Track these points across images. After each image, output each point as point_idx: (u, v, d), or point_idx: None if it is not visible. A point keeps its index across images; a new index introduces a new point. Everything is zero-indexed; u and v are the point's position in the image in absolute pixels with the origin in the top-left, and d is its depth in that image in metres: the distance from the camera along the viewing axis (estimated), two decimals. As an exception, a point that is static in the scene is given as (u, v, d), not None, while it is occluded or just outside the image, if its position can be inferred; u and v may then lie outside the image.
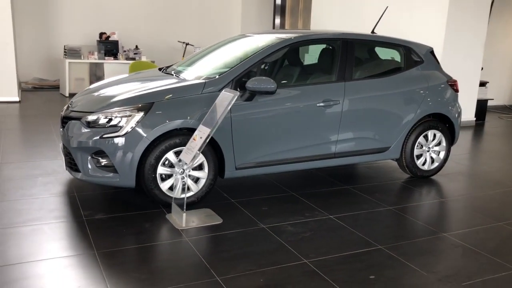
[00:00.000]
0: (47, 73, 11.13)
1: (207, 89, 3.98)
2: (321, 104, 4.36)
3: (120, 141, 3.73)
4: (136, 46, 10.79)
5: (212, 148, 3.99)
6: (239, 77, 4.09)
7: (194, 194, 4.00)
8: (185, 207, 3.68)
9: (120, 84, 4.49)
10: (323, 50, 4.90)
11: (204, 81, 4.07)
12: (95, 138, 3.77)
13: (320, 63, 4.97)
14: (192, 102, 3.92)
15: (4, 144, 5.80)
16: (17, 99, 8.92)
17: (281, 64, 4.80)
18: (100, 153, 3.80)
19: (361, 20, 9.20)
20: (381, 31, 8.13)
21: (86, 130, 3.84)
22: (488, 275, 3.09)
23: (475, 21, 7.81)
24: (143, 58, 10.32)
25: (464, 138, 7.45)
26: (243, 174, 4.24)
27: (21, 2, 10.57)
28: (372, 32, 5.36)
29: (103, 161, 3.81)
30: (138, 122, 3.74)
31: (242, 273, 2.98)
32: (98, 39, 10.45)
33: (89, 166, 3.85)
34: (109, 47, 10.11)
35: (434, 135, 5.03)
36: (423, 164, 5.05)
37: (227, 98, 3.69)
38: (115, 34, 10.44)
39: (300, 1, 12.88)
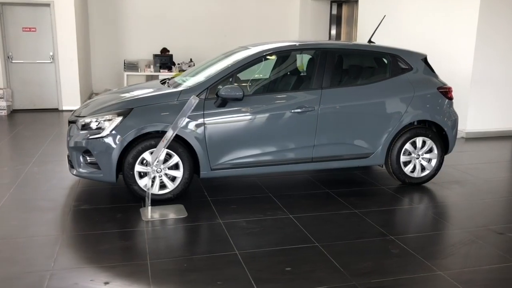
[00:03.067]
0: (117, 85, 12.30)
1: (183, 97, 4.42)
2: (295, 110, 4.61)
3: (101, 141, 4.29)
4: (191, 59, 11.55)
5: (187, 150, 4.41)
6: (213, 86, 4.48)
7: (170, 191, 4.44)
8: (149, 201, 4.14)
9: (119, 92, 5.08)
10: (302, 60, 5.13)
11: (180, 89, 4.52)
12: (84, 138, 4.36)
13: (300, 72, 5.20)
14: (167, 109, 4.38)
15: (48, 146, 6.67)
16: (79, 108, 10.03)
17: (260, 73, 5.11)
18: (88, 152, 4.39)
19: (401, 28, 9.16)
20: (413, 41, 8.11)
21: (80, 132, 4.45)
22: (405, 274, 3.17)
23: (510, 30, 7.48)
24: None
25: (498, 148, 7.12)
26: (220, 174, 4.61)
27: (96, 24, 11.86)
28: (369, 41, 5.47)
29: (90, 159, 4.39)
30: (117, 125, 4.27)
31: (172, 258, 3.36)
32: (159, 53, 11.38)
33: (80, 163, 4.45)
34: (164, 60, 10.96)
35: (424, 142, 5.02)
36: (412, 171, 5.05)
37: (190, 103, 4.11)
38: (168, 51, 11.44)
39: (354, 11, 12.93)
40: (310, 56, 5.04)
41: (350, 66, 5.10)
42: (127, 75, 10.76)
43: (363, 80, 5.02)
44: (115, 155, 4.29)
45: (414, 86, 4.97)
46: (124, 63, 11.00)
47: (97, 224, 3.98)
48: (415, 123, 5.10)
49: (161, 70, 10.91)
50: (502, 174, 5.70)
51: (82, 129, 4.44)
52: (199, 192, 4.80)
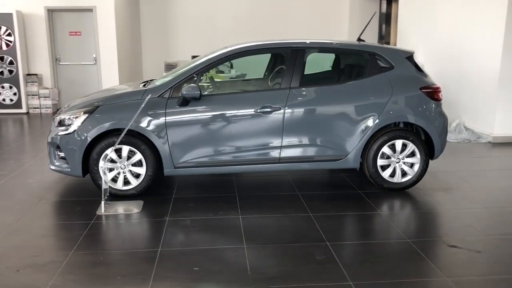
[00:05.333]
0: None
1: (146, 96, 4.52)
2: (260, 110, 4.53)
3: (68, 138, 4.52)
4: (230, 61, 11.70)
5: (149, 147, 4.52)
6: (178, 85, 4.55)
7: (134, 187, 4.57)
8: (103, 196, 4.28)
9: (101, 91, 5.31)
10: (272, 59, 5.03)
11: (145, 88, 4.63)
12: (57, 134, 4.63)
13: (269, 72, 5.10)
14: (131, 107, 4.50)
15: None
16: (119, 107, 10.58)
17: (228, 72, 5.09)
18: (60, 147, 4.65)
19: (436, 26, 8.65)
20: (445, 39, 7.65)
21: (56, 128, 4.72)
22: (312, 282, 3.01)
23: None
24: (233, 72, 11.17)
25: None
26: (184, 172, 4.66)
27: (147, 27, 12.48)
28: (358, 39, 5.23)
29: (60, 154, 4.65)
30: (82, 123, 4.48)
31: (94, 251, 3.47)
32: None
33: (55, 157, 4.72)
34: (202, 61, 11.19)
35: (405, 146, 4.72)
36: (392, 176, 4.76)
37: (144, 101, 4.24)
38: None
39: (404, 8, 12.34)
40: (278, 56, 4.94)
41: (323, 65, 4.92)
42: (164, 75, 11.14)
43: (336, 79, 4.84)
44: (80, 151, 4.49)
45: (393, 86, 4.67)
46: (164, 64, 11.41)
47: (53, 215, 4.22)
48: (401, 125, 4.83)
49: (198, 71, 11.15)
50: (505, 182, 5.18)
51: (58, 125, 4.70)
52: (169, 189, 4.88)
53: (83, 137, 4.47)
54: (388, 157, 4.73)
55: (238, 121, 4.55)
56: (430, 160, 4.85)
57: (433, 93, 4.74)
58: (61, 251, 3.47)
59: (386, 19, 13.03)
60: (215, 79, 5.35)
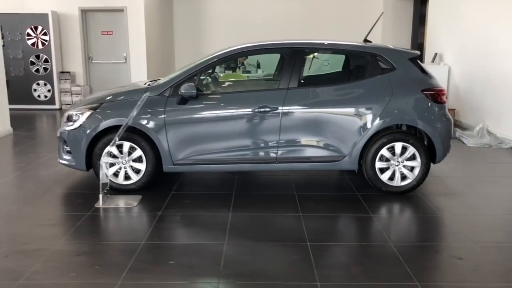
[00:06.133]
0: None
1: (148, 94, 4.66)
2: (257, 110, 4.58)
3: (73, 133, 4.73)
4: (257, 61, 11.79)
5: (149, 144, 4.66)
6: (177, 84, 4.66)
7: (134, 183, 4.73)
8: (101, 190, 4.44)
9: (112, 88, 5.51)
10: (272, 59, 5.05)
11: (147, 86, 4.78)
12: (65, 129, 4.85)
13: (268, 72, 5.11)
14: (131, 104, 4.65)
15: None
16: (147, 105, 10.87)
17: (225, 72, 5.15)
18: (66, 142, 4.86)
19: (468, 27, 8.41)
20: (473, 40, 7.45)
21: (64, 124, 4.95)
22: (277, 281, 3.04)
23: None
24: (259, 72, 11.24)
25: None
26: (183, 169, 4.78)
27: (180, 27, 12.82)
28: (365, 40, 5.19)
29: (67, 148, 4.87)
30: (86, 119, 4.68)
31: (81, 242, 3.62)
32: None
33: (63, 151, 4.95)
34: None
35: (405, 148, 4.63)
36: (391, 179, 4.69)
37: (142, 98, 4.39)
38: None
39: (438, 8, 12.03)
40: (280, 55, 4.96)
41: (322, 66, 4.90)
42: (194, 75, 11.37)
43: (335, 80, 4.81)
44: (83, 146, 4.68)
45: (394, 88, 4.60)
46: (192, 63, 11.63)
47: (54, 206, 4.43)
48: (404, 127, 4.76)
49: (225, 71, 11.31)
50: (516, 190, 5.00)
51: (66, 121, 4.92)
52: (170, 185, 5.00)
53: (87, 132, 4.65)
54: (387, 160, 4.66)
55: (235, 121, 4.61)
56: (433, 164, 4.74)
57: (436, 96, 4.63)
58: (51, 240, 3.64)
59: (420, 20, 12.71)
60: (219, 79, 5.43)
